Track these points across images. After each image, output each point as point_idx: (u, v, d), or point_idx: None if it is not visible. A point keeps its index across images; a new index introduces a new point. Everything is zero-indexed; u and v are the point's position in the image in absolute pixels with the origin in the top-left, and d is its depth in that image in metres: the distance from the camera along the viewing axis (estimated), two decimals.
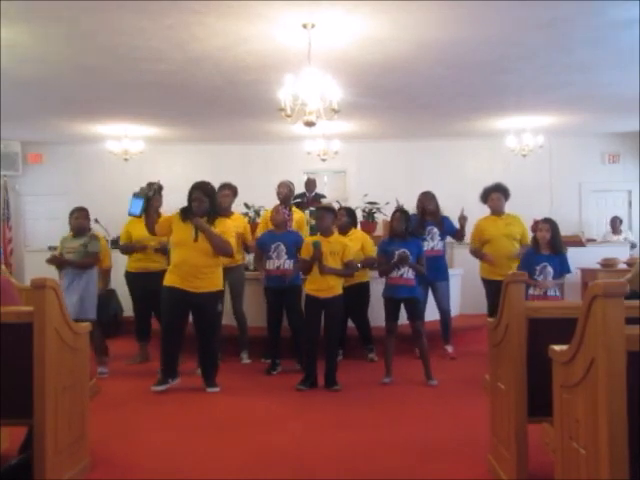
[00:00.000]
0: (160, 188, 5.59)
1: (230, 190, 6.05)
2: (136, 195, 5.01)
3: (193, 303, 4.94)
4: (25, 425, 3.03)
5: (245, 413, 4.43)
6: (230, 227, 5.22)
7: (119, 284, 6.56)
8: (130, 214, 5.11)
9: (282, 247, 5.52)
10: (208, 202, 4.93)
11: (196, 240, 4.83)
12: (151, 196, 5.02)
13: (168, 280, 4.99)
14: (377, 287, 5.93)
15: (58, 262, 5.52)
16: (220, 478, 3.21)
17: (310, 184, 8.45)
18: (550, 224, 5.00)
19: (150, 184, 5.10)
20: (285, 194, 6.22)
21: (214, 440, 3.81)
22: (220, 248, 4.93)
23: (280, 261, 5.53)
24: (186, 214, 4.95)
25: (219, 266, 5.08)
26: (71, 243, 5.55)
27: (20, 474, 2.93)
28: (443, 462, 3.40)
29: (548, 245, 4.98)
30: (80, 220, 5.57)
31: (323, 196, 8.56)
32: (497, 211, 6.21)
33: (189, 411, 4.50)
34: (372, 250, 6.02)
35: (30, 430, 3.01)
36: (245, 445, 3.70)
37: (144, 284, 5.77)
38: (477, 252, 6.21)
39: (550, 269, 4.93)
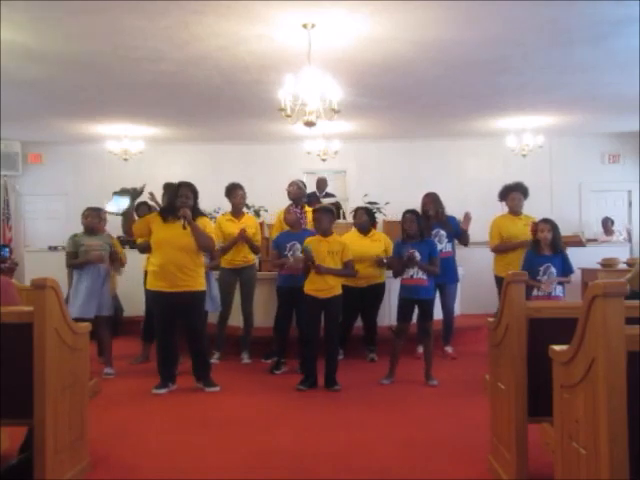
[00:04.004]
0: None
1: (243, 190, 6.07)
2: (119, 193, 4.87)
3: (181, 303, 4.88)
4: (25, 425, 3.03)
5: (245, 413, 4.43)
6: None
7: (119, 284, 6.55)
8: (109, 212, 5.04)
9: (298, 246, 5.44)
10: (192, 200, 4.94)
11: (185, 228, 4.78)
12: (137, 195, 4.93)
13: (154, 285, 4.92)
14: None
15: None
16: (220, 478, 3.21)
17: (321, 183, 8.50)
18: (550, 224, 4.99)
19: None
20: (295, 193, 6.16)
21: (214, 440, 3.81)
22: (203, 242, 4.92)
23: None
24: (168, 214, 4.92)
25: (202, 266, 5.08)
26: (90, 241, 5.63)
27: (20, 474, 2.93)
28: (443, 462, 3.39)
29: (549, 245, 4.98)
30: (93, 219, 5.73)
31: (333, 195, 8.61)
32: (515, 211, 6.15)
33: (189, 411, 4.49)
34: None
35: (30, 430, 3.01)
36: (245, 445, 3.70)
37: None
38: (503, 246, 6.03)
39: (553, 269, 4.91)
